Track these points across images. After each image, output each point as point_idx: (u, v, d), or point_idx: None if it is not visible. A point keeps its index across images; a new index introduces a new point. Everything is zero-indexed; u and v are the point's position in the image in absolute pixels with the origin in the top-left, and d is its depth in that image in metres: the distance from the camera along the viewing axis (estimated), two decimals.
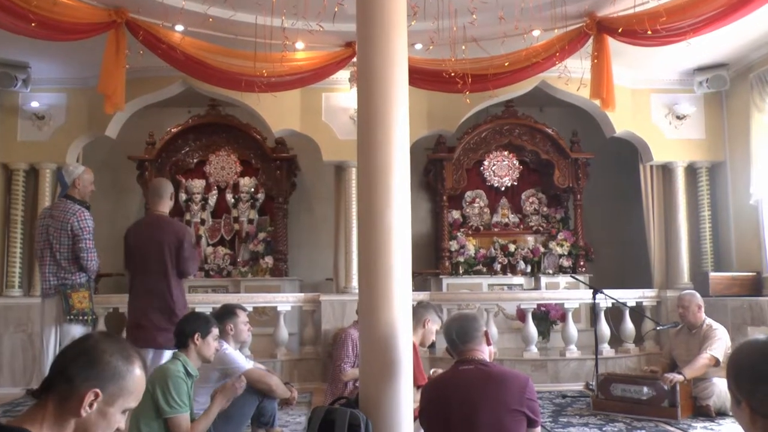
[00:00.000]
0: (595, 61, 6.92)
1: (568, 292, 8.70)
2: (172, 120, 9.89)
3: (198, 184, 9.85)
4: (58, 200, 5.59)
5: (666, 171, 9.04)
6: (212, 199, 9.91)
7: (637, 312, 8.23)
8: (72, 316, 5.34)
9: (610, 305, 7.57)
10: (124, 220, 10.38)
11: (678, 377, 5.72)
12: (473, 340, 3.37)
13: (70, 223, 5.31)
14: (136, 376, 1.86)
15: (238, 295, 8.43)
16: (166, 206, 5.23)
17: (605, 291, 6.88)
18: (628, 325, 8.16)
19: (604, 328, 7.80)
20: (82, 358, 1.80)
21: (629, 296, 8.23)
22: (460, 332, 3.39)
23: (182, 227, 5.33)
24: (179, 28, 6.79)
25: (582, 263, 9.62)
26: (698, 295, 6.27)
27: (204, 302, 7.71)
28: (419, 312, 4.71)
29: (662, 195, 9.07)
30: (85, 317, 5.40)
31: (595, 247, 9.91)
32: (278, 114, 8.42)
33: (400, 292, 3.91)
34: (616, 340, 8.15)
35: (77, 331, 5.34)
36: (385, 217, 3.91)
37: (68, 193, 5.48)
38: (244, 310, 4.92)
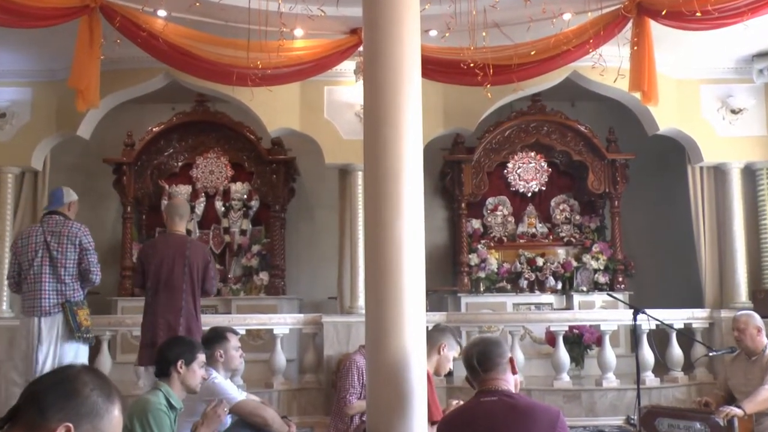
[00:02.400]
0: (635, 48, 6.90)
1: (605, 313, 8.65)
2: (154, 118, 9.92)
3: (183, 191, 9.87)
4: (50, 216, 6.01)
5: (719, 173, 8.99)
6: (199, 207, 9.93)
7: (686, 335, 8.16)
8: (80, 334, 5.88)
9: (653, 327, 7.51)
10: (98, 231, 10.35)
11: (736, 411, 5.61)
12: (496, 368, 3.34)
13: (79, 238, 5.93)
14: (114, 418, 1.85)
15: (228, 316, 8.43)
16: (185, 226, 6.09)
17: (648, 311, 6.81)
18: (676, 351, 8.09)
19: (647, 354, 7.74)
20: (61, 387, 1.80)
21: (676, 317, 8.16)
22: (482, 358, 3.36)
23: (207, 248, 6.46)
24: (162, 13, 6.81)
25: (621, 279, 9.57)
26: (757, 315, 6.19)
27: None
28: (434, 336, 4.69)
29: (714, 201, 9.01)
30: (89, 335, 6.01)
31: (636, 261, 9.85)
32: (274, 111, 8.43)
33: (413, 313, 3.89)
34: (662, 368, 8.09)
35: (82, 350, 5.96)
36: (395, 227, 3.91)
37: (59, 210, 6.02)
38: (236, 333, 4.93)
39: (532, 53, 7.10)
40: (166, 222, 6.14)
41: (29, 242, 5.90)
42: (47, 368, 5.69)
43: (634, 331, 7.27)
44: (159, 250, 5.85)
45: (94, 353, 7.80)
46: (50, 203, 6.18)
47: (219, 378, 4.55)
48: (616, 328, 8.42)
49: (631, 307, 7.10)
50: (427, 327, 4.27)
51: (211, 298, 9.40)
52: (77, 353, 5.92)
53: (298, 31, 7.18)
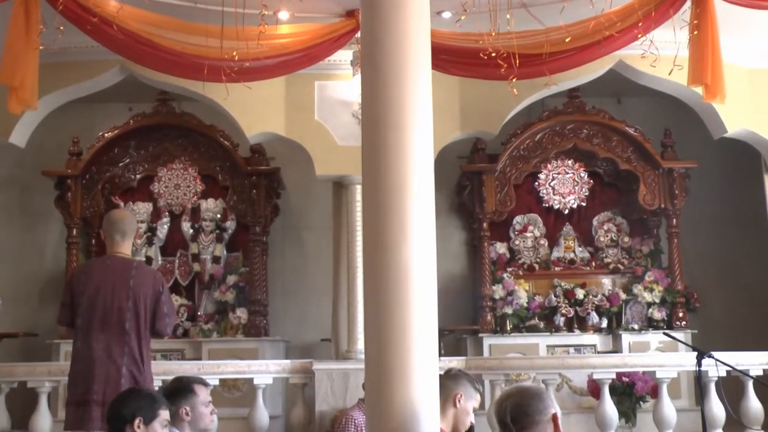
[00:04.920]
0: (695, 32, 6.90)
1: (662, 356, 8.65)
2: (106, 121, 9.96)
3: (142, 209, 9.89)
4: None
5: None
6: (162, 230, 9.95)
7: (766, 384, 8.13)
8: None
9: (723, 374, 7.48)
10: (35, 257, 10.44)
11: None
12: (535, 427, 3.35)
13: None
14: None
15: (198, 363, 8.42)
16: (129, 247, 5.62)
17: (716, 354, 6.80)
18: (753, 403, 8.03)
19: (716, 408, 7.70)
20: None
21: (752, 361, 8.12)
22: (517, 414, 3.36)
23: (159, 275, 5.86)
24: None
25: (681, 315, 9.54)
26: None
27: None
28: (447, 385, 4.64)
29: None
30: None
31: (700, 293, 9.82)
32: (254, 112, 8.47)
33: (423, 359, 3.88)
34: (735, 425, 8.03)
35: None
36: (401, 252, 3.90)
37: None
38: (206, 385, 4.90)
39: (567, 40, 7.10)
40: (105, 241, 5.63)
41: None
42: None
43: (699, 380, 7.24)
44: (94, 277, 5.41)
45: (29, 410, 7.77)
46: None
47: None
48: (675, 375, 8.36)
49: (694, 350, 7.08)
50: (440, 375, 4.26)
51: (177, 339, 9.42)
52: None
53: (283, 14, 7.22)
